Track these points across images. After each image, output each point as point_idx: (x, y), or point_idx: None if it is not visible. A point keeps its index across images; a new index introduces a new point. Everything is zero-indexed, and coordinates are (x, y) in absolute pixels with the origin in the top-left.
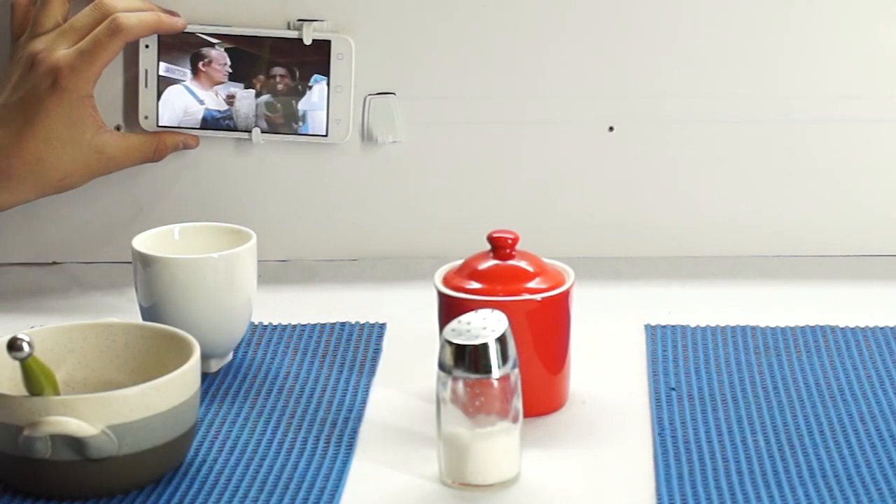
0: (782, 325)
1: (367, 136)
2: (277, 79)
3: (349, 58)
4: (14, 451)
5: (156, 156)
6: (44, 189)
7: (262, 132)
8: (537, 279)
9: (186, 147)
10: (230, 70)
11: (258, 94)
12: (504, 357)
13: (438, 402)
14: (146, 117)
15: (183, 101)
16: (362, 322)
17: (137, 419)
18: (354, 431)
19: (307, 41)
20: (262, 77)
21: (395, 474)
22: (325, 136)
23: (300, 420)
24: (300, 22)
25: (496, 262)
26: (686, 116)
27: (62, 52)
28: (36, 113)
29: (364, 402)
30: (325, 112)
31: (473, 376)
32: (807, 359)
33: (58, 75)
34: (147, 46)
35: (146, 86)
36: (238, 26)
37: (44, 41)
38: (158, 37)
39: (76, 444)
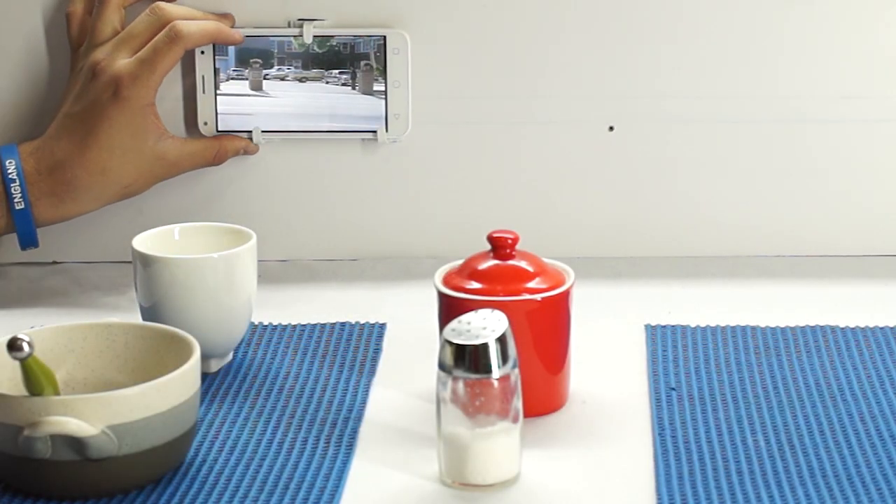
0: (782, 325)
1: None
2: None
3: (405, 52)
4: (14, 451)
5: (216, 160)
6: (109, 198)
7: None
8: (537, 279)
9: (247, 153)
10: (291, 67)
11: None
12: (504, 357)
13: (438, 402)
14: (205, 123)
15: (247, 100)
16: (362, 322)
17: (137, 419)
18: (354, 431)
19: (307, 40)
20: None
21: (395, 474)
22: (386, 131)
23: (300, 420)
24: (300, 21)
25: (496, 262)
26: (686, 116)
27: (123, 62)
28: (99, 123)
29: (364, 402)
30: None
31: (473, 376)
32: (807, 359)
33: (119, 85)
34: (203, 52)
35: (204, 92)
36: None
37: (103, 50)
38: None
39: (76, 444)
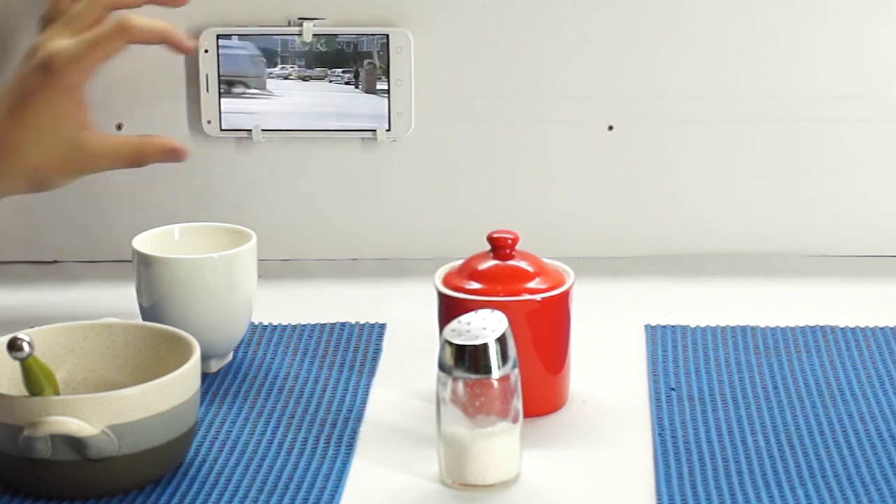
0: (782, 325)
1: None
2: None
3: (408, 51)
4: (14, 451)
5: (137, 161)
6: (15, 178)
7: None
8: (537, 279)
9: (177, 159)
10: (294, 66)
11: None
12: (504, 357)
13: (438, 402)
14: (209, 121)
15: (250, 98)
16: (362, 322)
17: (137, 419)
18: (354, 431)
19: (307, 38)
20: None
21: (395, 474)
22: (388, 130)
23: (300, 420)
24: (300, 20)
25: (496, 262)
26: (686, 116)
27: (61, 42)
28: (22, 98)
29: (364, 402)
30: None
31: (473, 376)
32: (807, 359)
33: (51, 61)
34: (206, 51)
35: (207, 90)
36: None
37: (46, 33)
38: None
39: (76, 444)
